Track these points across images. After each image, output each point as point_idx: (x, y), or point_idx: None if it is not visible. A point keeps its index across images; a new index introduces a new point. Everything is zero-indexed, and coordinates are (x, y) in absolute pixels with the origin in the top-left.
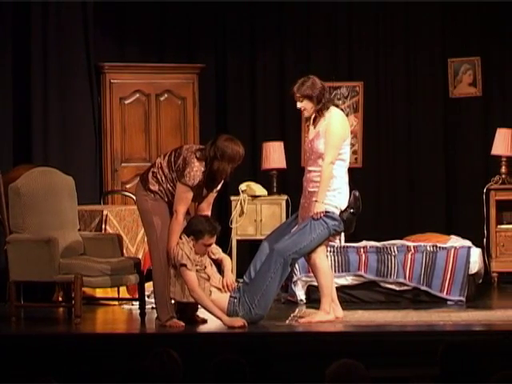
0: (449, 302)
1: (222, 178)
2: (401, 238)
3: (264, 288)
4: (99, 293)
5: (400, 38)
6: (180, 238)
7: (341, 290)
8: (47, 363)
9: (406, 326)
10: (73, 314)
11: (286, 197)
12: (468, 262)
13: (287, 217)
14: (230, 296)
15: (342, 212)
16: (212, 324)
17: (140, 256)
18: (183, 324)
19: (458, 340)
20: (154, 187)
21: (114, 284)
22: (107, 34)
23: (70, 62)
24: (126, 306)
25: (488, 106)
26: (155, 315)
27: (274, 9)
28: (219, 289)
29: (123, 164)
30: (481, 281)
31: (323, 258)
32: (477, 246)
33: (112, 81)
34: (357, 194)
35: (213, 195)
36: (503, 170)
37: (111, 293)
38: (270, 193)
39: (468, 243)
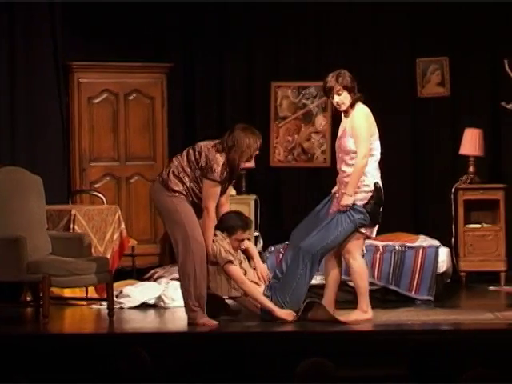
0: (417, 302)
1: (242, 166)
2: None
3: (294, 285)
4: (67, 293)
5: (368, 38)
6: (214, 234)
7: (310, 289)
8: (15, 363)
9: (374, 325)
10: (41, 314)
11: (254, 196)
12: (436, 261)
13: (256, 216)
14: (263, 294)
15: (365, 204)
16: (182, 323)
17: (108, 256)
18: (216, 323)
19: (426, 339)
20: (178, 187)
21: (82, 284)
22: (75, 33)
23: (37, 62)
24: (95, 306)
25: (456, 105)
26: (129, 315)
27: (243, 8)
28: (256, 282)
29: (91, 163)
30: (449, 280)
31: (358, 258)
32: (445, 245)
33: (80, 80)
34: (378, 185)
35: (230, 188)
36: (471, 169)
37: (79, 293)
38: (239, 192)
39: (436, 243)
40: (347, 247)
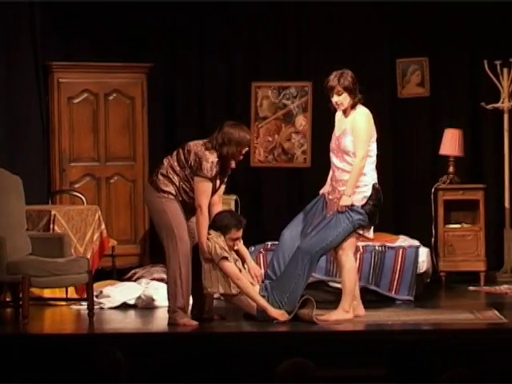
0: (397, 302)
1: (232, 163)
2: None
3: (292, 286)
4: (47, 293)
5: (348, 38)
6: (208, 233)
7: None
8: None
9: (354, 325)
10: (20, 314)
11: (234, 196)
12: (416, 261)
13: None
14: (259, 294)
15: (363, 205)
16: (162, 324)
17: (88, 256)
18: (197, 323)
19: (407, 339)
20: (168, 187)
21: (62, 284)
22: (55, 33)
23: (17, 62)
24: (75, 307)
25: (436, 106)
26: (109, 315)
27: (223, 8)
28: (250, 283)
29: (71, 163)
30: (429, 280)
31: (350, 257)
32: (425, 245)
33: (60, 80)
34: (377, 186)
35: (222, 187)
36: (451, 169)
37: (59, 293)
38: None
39: (416, 243)
40: (342, 244)
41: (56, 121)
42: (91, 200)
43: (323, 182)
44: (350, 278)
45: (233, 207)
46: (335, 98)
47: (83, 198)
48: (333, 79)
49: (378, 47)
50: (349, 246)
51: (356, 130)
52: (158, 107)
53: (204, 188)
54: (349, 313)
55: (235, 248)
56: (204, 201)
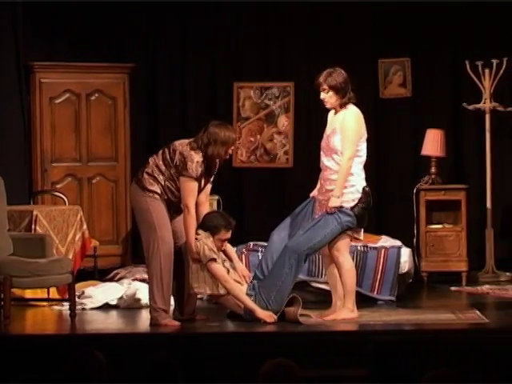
0: (379, 302)
1: (218, 162)
2: None
3: (280, 284)
4: (29, 293)
5: (330, 38)
6: (197, 233)
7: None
8: None
9: (336, 325)
10: (2, 314)
11: (217, 197)
12: (398, 261)
13: None
14: (246, 293)
15: (352, 207)
16: (144, 324)
17: (70, 256)
18: (179, 323)
19: (388, 340)
20: (153, 187)
21: (43, 285)
22: (37, 33)
23: None
24: (56, 307)
25: (418, 106)
26: (91, 316)
27: (205, 8)
28: (238, 282)
29: (53, 164)
30: (411, 280)
31: (347, 256)
32: (407, 245)
33: (42, 80)
34: (367, 189)
35: (209, 186)
36: (433, 170)
37: (41, 293)
38: None
39: (398, 243)
40: (337, 245)
41: (38, 121)
42: (73, 200)
43: (305, 182)
44: (350, 278)
45: (215, 207)
46: (322, 95)
47: (65, 199)
48: (321, 76)
49: (360, 47)
50: (344, 246)
51: (345, 130)
52: (140, 107)
53: (190, 187)
54: (353, 312)
55: (223, 248)
56: (191, 201)
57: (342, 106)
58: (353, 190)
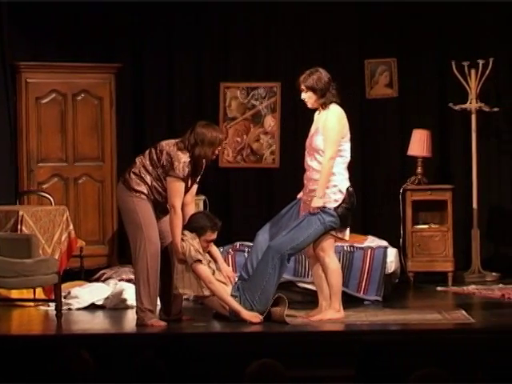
0: (365, 302)
1: (205, 163)
2: None
3: (264, 284)
4: (15, 294)
5: (317, 38)
6: (183, 234)
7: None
8: None
9: (322, 325)
10: None
11: (203, 197)
12: (384, 261)
13: None
14: (231, 294)
15: (336, 208)
16: (130, 325)
17: (56, 257)
18: (165, 323)
19: (375, 340)
20: (140, 187)
21: (29, 285)
22: (23, 33)
23: None
24: (42, 307)
25: (404, 106)
26: (78, 316)
27: (191, 8)
28: (223, 283)
29: (39, 164)
30: (397, 280)
31: (332, 257)
32: (393, 245)
33: (28, 80)
34: (351, 189)
35: (195, 187)
36: (419, 170)
37: (27, 294)
38: None
39: (384, 243)
40: (321, 245)
41: (24, 121)
42: (59, 200)
43: (292, 183)
44: (336, 278)
45: (201, 208)
46: (302, 96)
47: (51, 199)
48: (301, 76)
49: (346, 48)
50: (328, 247)
51: (326, 130)
52: (126, 107)
53: (176, 188)
54: (340, 312)
55: (208, 249)
56: (177, 201)
57: (323, 105)
58: (335, 190)
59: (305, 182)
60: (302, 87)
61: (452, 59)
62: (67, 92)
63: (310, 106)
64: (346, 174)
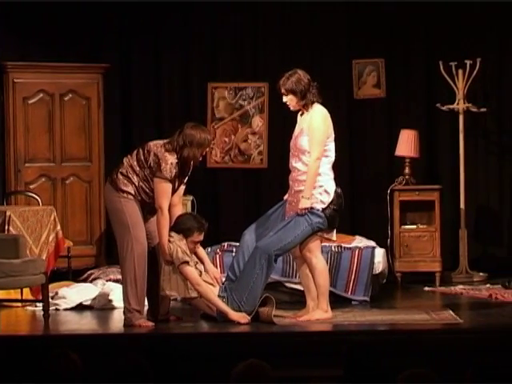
0: (353, 302)
1: (193, 165)
2: None
3: (251, 285)
4: (2, 294)
5: (305, 38)
6: (170, 235)
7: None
8: None
9: (310, 326)
10: None
11: (191, 197)
12: (372, 262)
13: None
14: (218, 295)
15: (324, 209)
16: (117, 325)
17: (44, 257)
18: (153, 324)
19: (362, 340)
20: (127, 187)
21: (17, 285)
22: (10, 33)
23: None
24: (30, 308)
25: (392, 107)
26: (65, 317)
27: (180, 8)
28: (211, 284)
29: (27, 164)
30: (385, 281)
31: (319, 257)
32: (381, 246)
33: (15, 80)
34: (339, 190)
35: (182, 188)
36: (407, 170)
37: (14, 294)
38: None
39: (372, 243)
40: (308, 246)
41: (11, 121)
42: (47, 201)
43: (280, 183)
44: (323, 279)
45: (189, 208)
46: (283, 99)
47: (38, 199)
48: (281, 80)
49: (334, 48)
50: (315, 247)
51: (311, 130)
52: (114, 108)
53: (164, 189)
54: (328, 312)
55: (195, 250)
56: (164, 202)
57: (305, 107)
58: (320, 190)
59: (290, 183)
60: (283, 91)
61: (439, 60)
62: (55, 92)
63: (292, 108)
64: (332, 174)
